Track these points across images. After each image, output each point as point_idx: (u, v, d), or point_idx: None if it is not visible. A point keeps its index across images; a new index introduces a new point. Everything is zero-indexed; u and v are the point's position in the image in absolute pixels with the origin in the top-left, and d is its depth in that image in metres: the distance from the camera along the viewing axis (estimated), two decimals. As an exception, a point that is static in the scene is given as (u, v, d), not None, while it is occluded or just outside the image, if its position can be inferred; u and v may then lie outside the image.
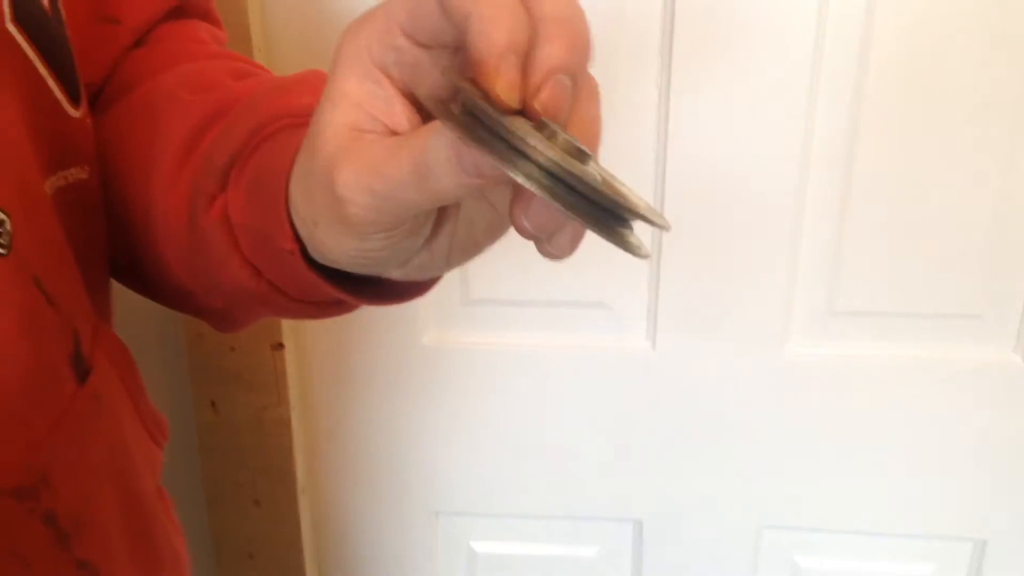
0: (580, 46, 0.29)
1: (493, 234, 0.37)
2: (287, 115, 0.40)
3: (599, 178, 0.29)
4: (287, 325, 0.96)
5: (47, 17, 0.41)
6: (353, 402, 1.02)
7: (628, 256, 0.30)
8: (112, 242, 0.48)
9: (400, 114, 0.33)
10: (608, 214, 0.29)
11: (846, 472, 0.98)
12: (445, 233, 0.37)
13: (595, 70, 0.31)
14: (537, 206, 0.30)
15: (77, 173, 0.43)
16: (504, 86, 0.28)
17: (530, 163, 0.28)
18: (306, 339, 0.99)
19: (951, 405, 0.95)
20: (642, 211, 0.29)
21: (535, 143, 0.27)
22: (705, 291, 0.93)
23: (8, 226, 0.35)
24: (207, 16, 0.55)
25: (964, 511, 0.99)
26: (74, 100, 0.43)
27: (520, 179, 0.28)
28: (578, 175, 0.28)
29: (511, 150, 0.28)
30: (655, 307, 0.95)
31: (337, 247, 0.35)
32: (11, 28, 0.37)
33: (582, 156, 0.29)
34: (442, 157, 0.30)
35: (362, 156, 0.32)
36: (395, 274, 0.38)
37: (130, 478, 0.45)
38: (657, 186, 0.90)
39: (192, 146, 0.43)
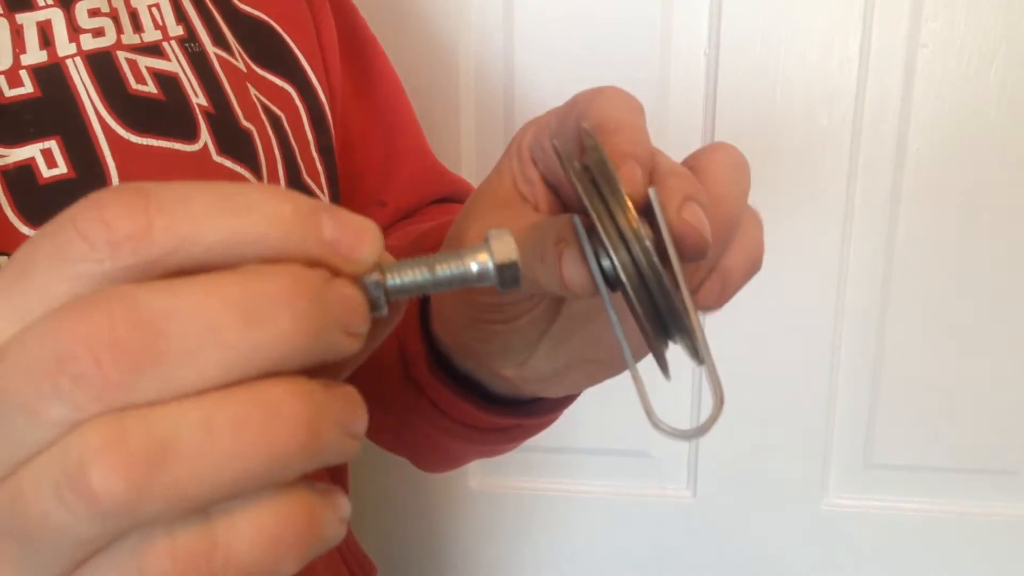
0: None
1: (615, 364, 0.38)
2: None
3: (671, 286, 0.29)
4: (341, 467, 0.99)
5: None
6: (401, 545, 1.04)
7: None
8: None
9: (540, 196, 0.36)
10: (660, 325, 0.29)
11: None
12: (557, 338, 0.38)
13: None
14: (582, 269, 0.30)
15: None
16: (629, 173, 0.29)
17: (623, 248, 0.28)
18: (355, 484, 1.02)
19: (987, 559, 0.96)
20: (697, 335, 0.29)
21: (640, 231, 0.28)
22: (744, 442, 0.96)
23: None
24: None
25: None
26: None
27: (609, 243, 0.28)
28: (662, 275, 0.28)
29: (612, 224, 0.28)
30: (695, 456, 0.98)
31: (457, 316, 0.37)
32: None
33: (664, 261, 0.29)
34: (549, 243, 0.30)
35: (502, 214, 0.34)
36: (510, 373, 0.39)
37: None
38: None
39: None
